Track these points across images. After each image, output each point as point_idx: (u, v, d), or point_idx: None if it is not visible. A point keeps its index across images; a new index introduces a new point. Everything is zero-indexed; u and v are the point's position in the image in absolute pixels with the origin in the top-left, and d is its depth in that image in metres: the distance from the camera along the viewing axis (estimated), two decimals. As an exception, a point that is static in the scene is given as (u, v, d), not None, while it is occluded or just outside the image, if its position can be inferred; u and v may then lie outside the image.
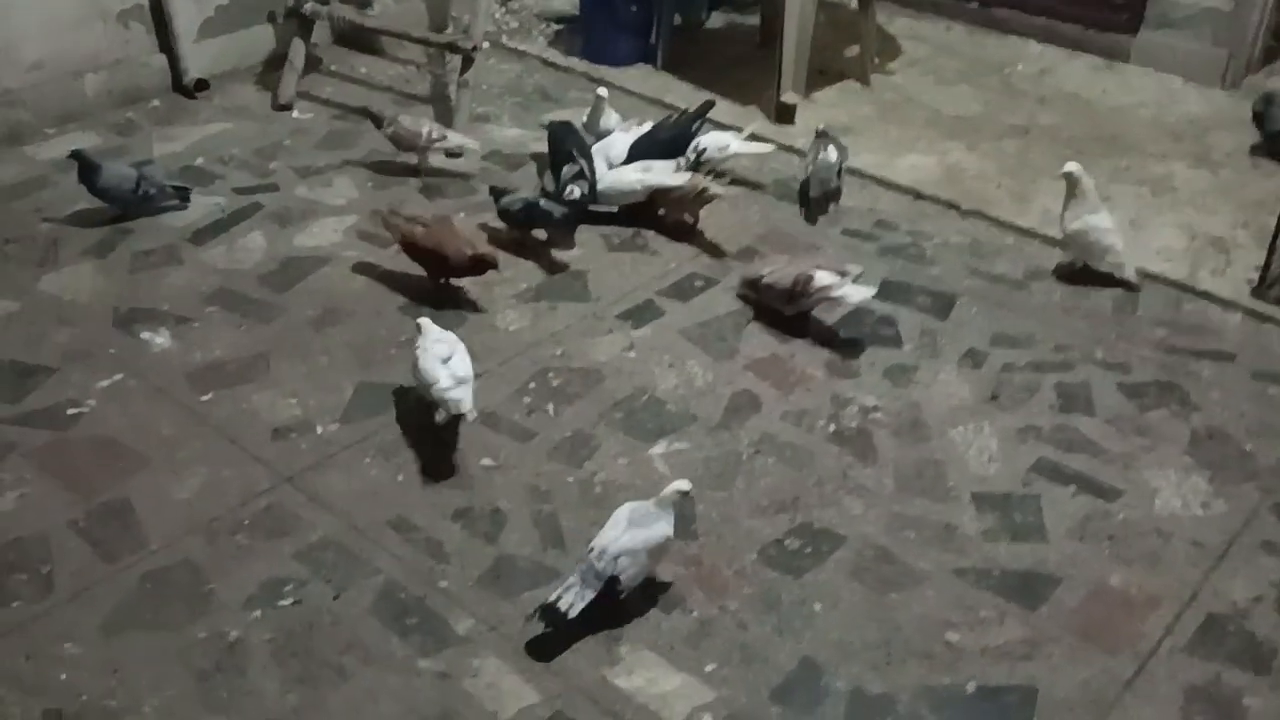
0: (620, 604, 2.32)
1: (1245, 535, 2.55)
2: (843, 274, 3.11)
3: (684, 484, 2.34)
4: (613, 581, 2.25)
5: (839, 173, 3.68)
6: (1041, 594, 2.41)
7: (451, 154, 3.90)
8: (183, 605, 2.34)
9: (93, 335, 3.11)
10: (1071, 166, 3.30)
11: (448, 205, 3.75)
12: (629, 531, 2.28)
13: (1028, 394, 2.96)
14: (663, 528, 2.32)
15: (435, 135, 3.77)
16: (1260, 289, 3.31)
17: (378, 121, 3.83)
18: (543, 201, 3.46)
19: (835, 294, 3.06)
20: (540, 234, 3.53)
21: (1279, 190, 3.38)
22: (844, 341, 3.15)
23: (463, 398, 2.61)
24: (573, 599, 2.24)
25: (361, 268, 3.43)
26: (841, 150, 3.70)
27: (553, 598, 2.25)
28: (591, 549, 2.28)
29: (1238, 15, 4.39)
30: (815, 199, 3.68)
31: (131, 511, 2.56)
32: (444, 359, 2.67)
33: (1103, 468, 2.73)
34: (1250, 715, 2.16)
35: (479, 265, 3.17)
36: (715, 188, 3.51)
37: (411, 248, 3.23)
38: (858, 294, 3.08)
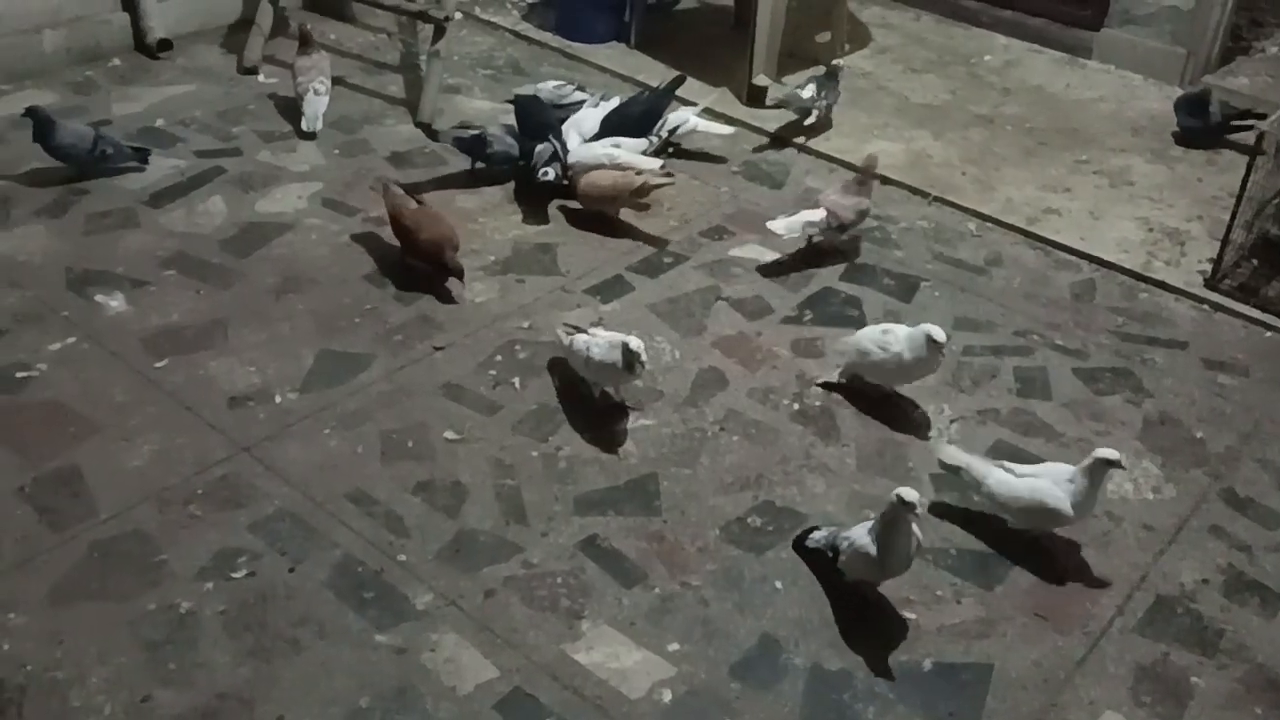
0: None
1: (1194, 520, 2.61)
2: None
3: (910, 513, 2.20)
4: (830, 551, 2.35)
5: (816, 107, 3.96)
6: (998, 574, 2.45)
7: None
8: (132, 576, 2.29)
9: (44, 297, 3.03)
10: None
11: (416, 174, 3.70)
12: (861, 529, 2.30)
13: (988, 377, 3.00)
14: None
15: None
16: (1213, 280, 3.39)
17: None
18: (491, 133, 3.55)
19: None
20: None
21: (1232, 185, 3.44)
22: (809, 321, 3.17)
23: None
24: (819, 538, 2.39)
25: (326, 235, 3.37)
26: (829, 89, 3.99)
27: (818, 532, 2.41)
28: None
29: (1198, 15, 4.46)
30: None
31: (81, 479, 2.50)
32: None
33: (1058, 451, 2.77)
34: (1197, 694, 2.22)
35: (441, 266, 3.11)
36: (657, 179, 3.46)
37: (395, 221, 3.19)
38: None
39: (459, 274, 3.10)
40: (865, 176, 3.38)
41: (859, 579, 2.32)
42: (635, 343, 2.62)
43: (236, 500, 2.48)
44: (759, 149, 4.01)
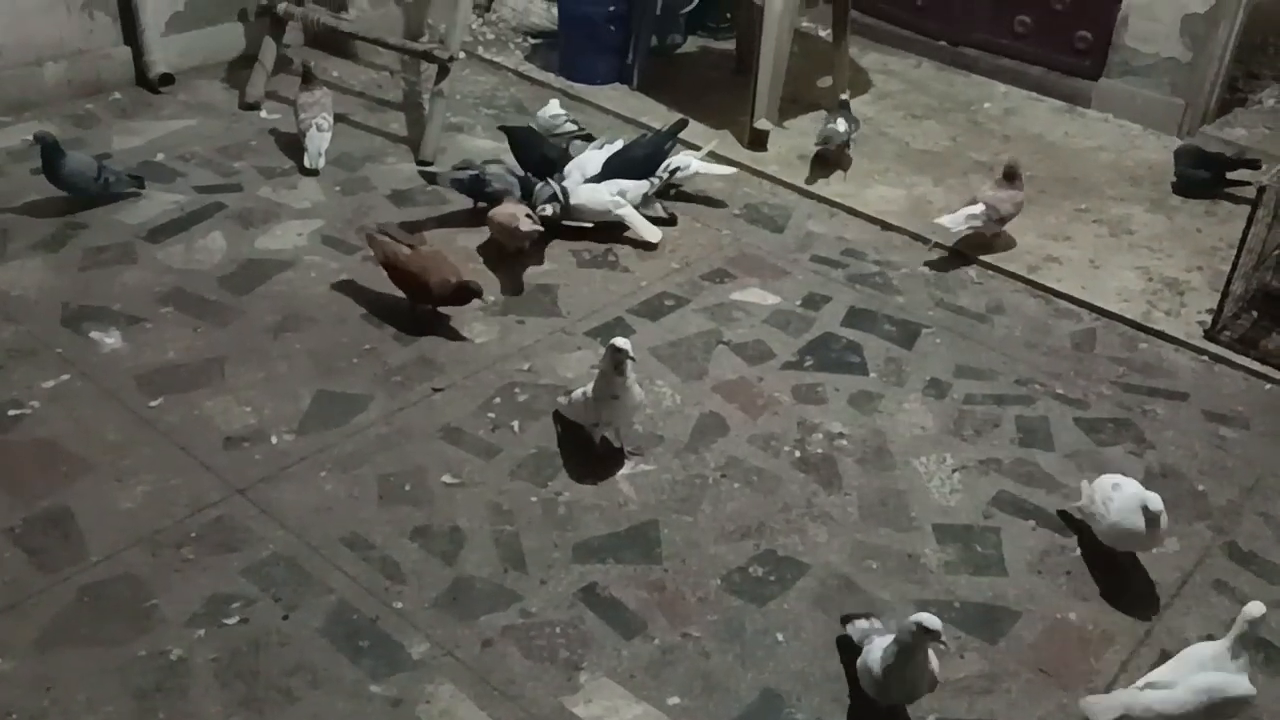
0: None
1: (1197, 574, 2.58)
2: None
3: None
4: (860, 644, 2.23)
5: (850, 139, 4.15)
6: (1001, 628, 2.41)
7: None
8: (123, 621, 2.25)
9: (39, 333, 3.00)
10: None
11: (417, 212, 3.70)
12: (880, 643, 2.13)
13: (990, 426, 2.99)
14: None
15: None
16: (1212, 331, 3.39)
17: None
18: (489, 171, 3.56)
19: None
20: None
21: (1231, 236, 3.46)
22: (810, 366, 3.16)
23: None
24: (858, 628, 2.25)
25: (325, 273, 3.35)
26: (853, 122, 4.16)
27: (864, 622, 2.26)
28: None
29: (1196, 67, 4.51)
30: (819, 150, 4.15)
31: (72, 520, 2.45)
32: None
33: (1061, 503, 2.75)
34: (1203, 754, 2.18)
35: (462, 293, 3.08)
36: (529, 226, 3.36)
37: (394, 270, 3.13)
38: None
39: (479, 293, 3.09)
40: (1013, 172, 3.68)
41: (865, 690, 2.18)
42: (621, 341, 2.60)
43: (230, 544, 2.44)
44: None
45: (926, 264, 3.70)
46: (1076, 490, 2.78)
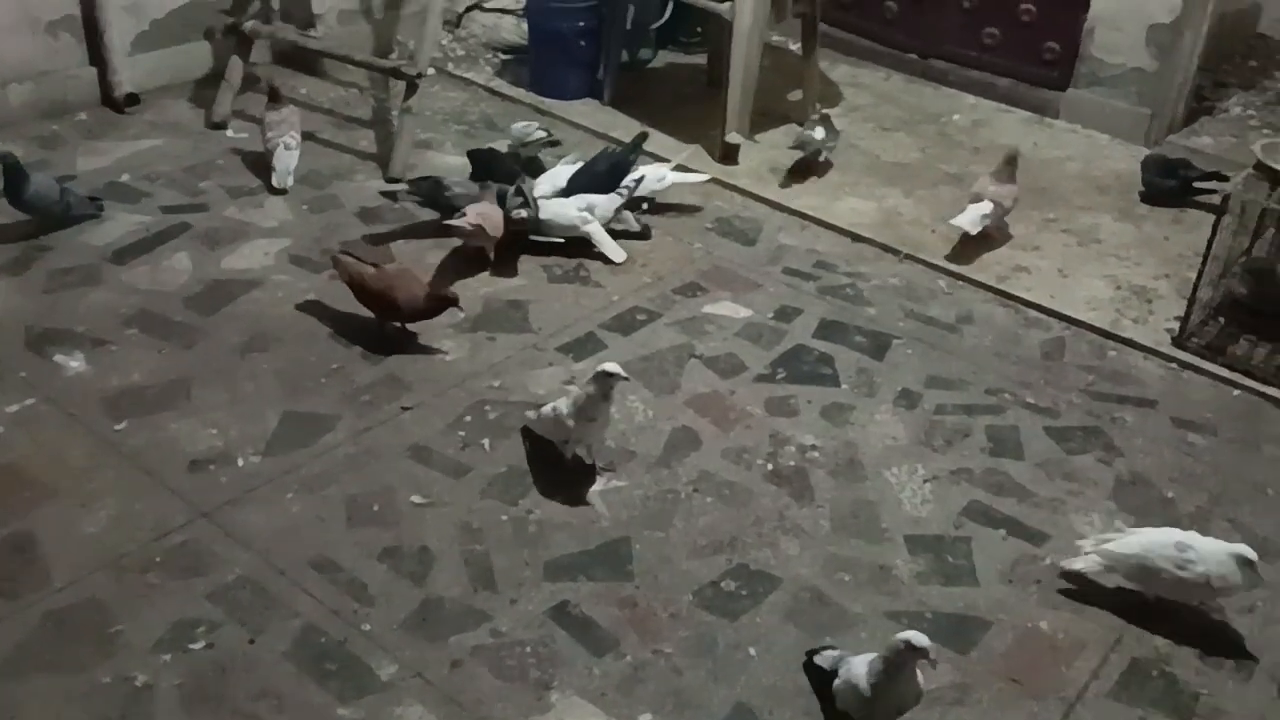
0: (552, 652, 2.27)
1: (1168, 581, 2.60)
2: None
3: None
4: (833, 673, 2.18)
5: (825, 148, 4.22)
6: (972, 638, 2.42)
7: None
8: (87, 647, 2.22)
9: (2, 357, 2.96)
10: None
11: (386, 229, 3.68)
12: (862, 661, 2.11)
13: (960, 436, 3.00)
14: None
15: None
16: (1180, 339, 3.42)
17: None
18: (449, 181, 3.54)
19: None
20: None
21: (1198, 244, 3.50)
22: (782, 379, 3.17)
23: None
24: (829, 657, 2.21)
25: (293, 293, 3.33)
26: (832, 133, 4.21)
27: (831, 651, 2.22)
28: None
29: (1162, 77, 4.57)
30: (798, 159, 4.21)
31: (35, 545, 2.42)
32: None
33: (1031, 512, 2.76)
34: (1174, 761, 2.19)
35: (435, 304, 3.05)
36: (463, 220, 3.37)
37: (360, 291, 3.10)
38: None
39: (455, 300, 3.07)
40: (1010, 163, 3.77)
41: (846, 710, 2.16)
42: (612, 366, 2.58)
43: (195, 568, 2.41)
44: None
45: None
46: (1047, 500, 2.80)
